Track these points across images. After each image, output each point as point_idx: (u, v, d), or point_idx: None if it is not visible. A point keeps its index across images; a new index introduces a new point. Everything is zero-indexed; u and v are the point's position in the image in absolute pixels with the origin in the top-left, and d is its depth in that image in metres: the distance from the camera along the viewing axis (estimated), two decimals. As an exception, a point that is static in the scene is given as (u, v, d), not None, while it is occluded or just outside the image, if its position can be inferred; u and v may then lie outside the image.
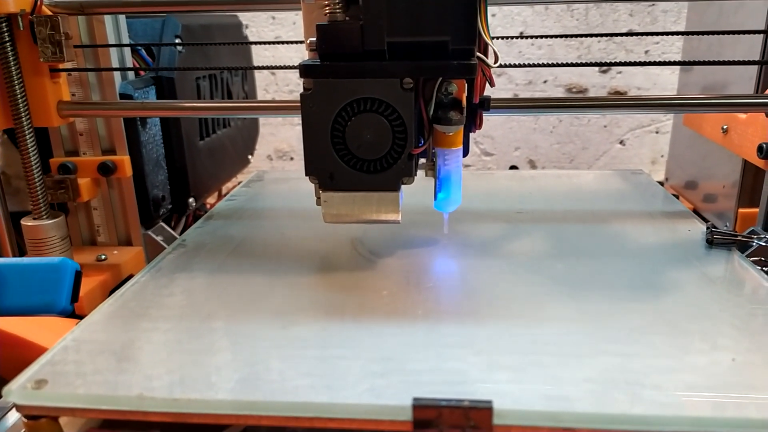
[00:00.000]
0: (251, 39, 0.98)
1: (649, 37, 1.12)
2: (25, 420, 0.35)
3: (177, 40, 0.76)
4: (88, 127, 0.68)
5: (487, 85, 0.47)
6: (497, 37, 0.46)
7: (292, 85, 1.30)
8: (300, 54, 1.25)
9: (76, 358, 0.38)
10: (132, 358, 0.38)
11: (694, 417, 0.31)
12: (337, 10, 0.42)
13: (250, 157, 1.05)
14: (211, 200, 0.96)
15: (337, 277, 0.49)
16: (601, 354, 0.37)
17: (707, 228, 0.55)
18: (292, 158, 1.33)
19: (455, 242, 0.56)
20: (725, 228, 0.55)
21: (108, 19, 0.66)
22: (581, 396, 0.33)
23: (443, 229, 0.55)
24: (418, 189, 0.48)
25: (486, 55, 0.44)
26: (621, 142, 1.21)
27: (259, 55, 1.22)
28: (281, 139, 1.33)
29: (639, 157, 1.20)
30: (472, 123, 0.49)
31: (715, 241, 0.53)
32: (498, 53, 0.44)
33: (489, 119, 1.20)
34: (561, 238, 0.56)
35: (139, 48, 0.73)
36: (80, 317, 0.57)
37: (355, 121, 0.43)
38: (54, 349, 0.38)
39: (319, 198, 0.46)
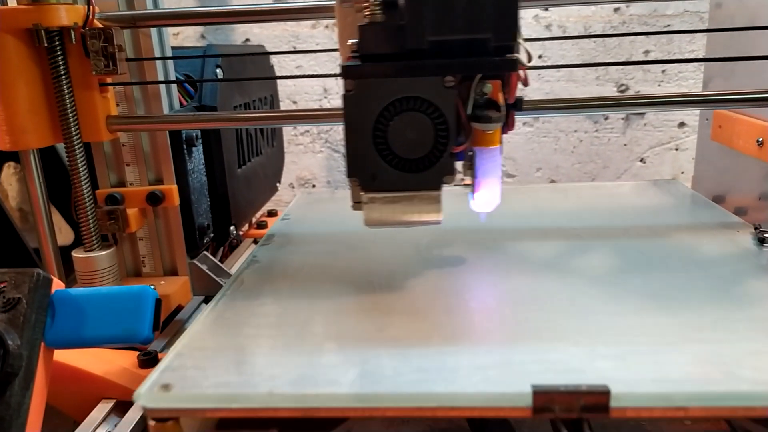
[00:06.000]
0: (275, 69, 1.01)
1: (666, 54, 1.16)
2: (152, 423, 0.36)
3: (218, 69, 0.78)
4: (134, 157, 0.67)
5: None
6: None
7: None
8: (320, 82, 1.28)
9: (194, 363, 0.39)
10: (248, 362, 0.39)
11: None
12: (377, 11, 0.43)
13: (278, 184, 1.07)
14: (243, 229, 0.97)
15: (417, 282, 0.51)
16: (693, 342, 0.39)
17: (755, 229, 0.58)
18: (314, 185, 1.35)
19: (513, 260, 0.56)
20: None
21: (153, 33, 0.65)
22: (686, 378, 0.35)
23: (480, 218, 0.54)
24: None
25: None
26: (641, 160, 1.24)
27: (281, 84, 1.24)
28: (302, 167, 1.35)
29: (660, 174, 1.23)
30: (504, 124, 0.48)
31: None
32: (531, 53, 0.45)
33: (510, 141, 1.24)
34: (623, 252, 0.56)
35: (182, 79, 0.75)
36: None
37: (397, 120, 0.43)
38: (169, 357, 0.40)
39: (358, 202, 0.46)
